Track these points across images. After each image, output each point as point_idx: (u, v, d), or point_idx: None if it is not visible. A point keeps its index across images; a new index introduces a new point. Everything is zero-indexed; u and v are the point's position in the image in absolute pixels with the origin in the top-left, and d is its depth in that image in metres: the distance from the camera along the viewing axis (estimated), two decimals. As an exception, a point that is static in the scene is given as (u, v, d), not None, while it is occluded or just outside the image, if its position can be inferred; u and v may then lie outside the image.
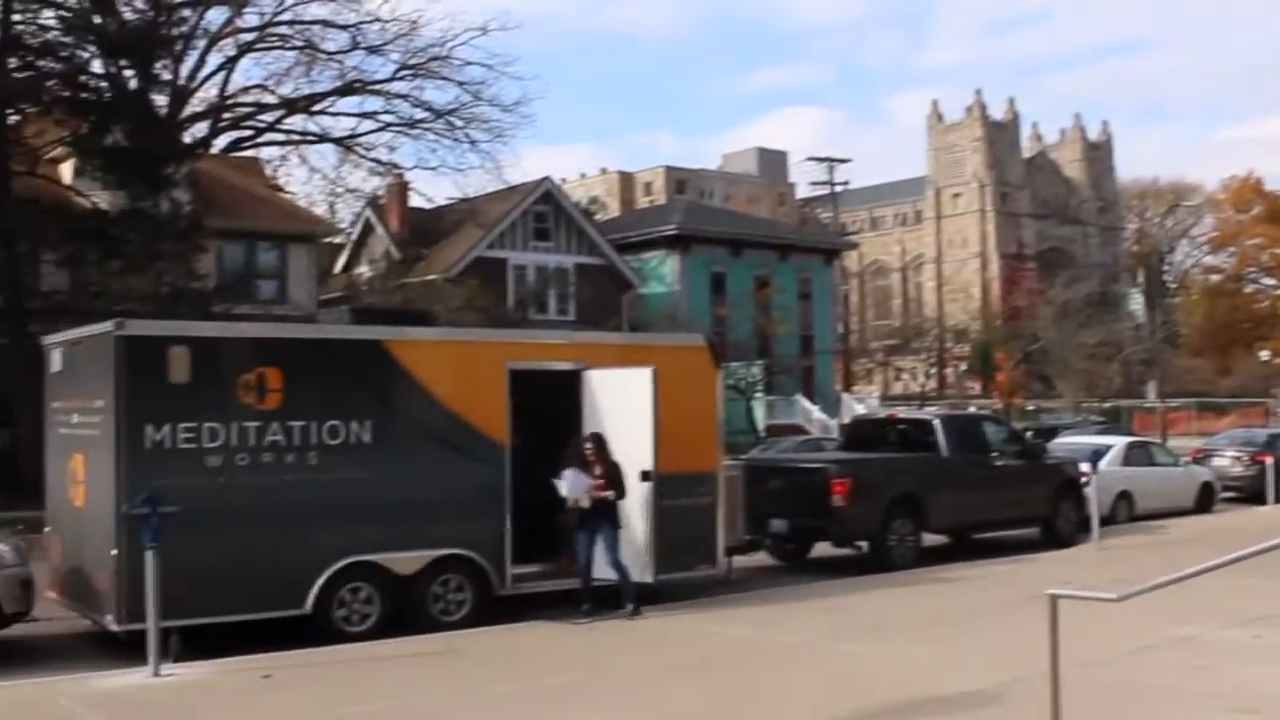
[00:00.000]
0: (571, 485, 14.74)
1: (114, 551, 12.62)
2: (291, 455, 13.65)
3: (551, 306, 53.60)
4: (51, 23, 33.75)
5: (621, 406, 15.46)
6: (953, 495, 20.94)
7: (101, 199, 35.22)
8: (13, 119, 34.12)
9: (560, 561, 15.68)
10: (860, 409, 53.40)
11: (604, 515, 14.83)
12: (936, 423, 21.83)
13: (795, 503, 19.60)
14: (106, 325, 13.22)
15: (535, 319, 50.40)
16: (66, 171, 37.69)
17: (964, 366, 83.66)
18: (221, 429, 13.28)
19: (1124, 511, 26.13)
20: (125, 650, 12.72)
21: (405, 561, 14.35)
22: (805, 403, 57.77)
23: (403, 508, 14.32)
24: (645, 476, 15.04)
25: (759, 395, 52.10)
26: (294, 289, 43.98)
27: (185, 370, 13.17)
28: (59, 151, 36.86)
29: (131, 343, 12.98)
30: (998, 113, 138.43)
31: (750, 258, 60.74)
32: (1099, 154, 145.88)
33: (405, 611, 14.41)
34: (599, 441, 14.94)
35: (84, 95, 33.77)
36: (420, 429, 14.54)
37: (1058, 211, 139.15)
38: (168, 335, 13.67)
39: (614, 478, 14.78)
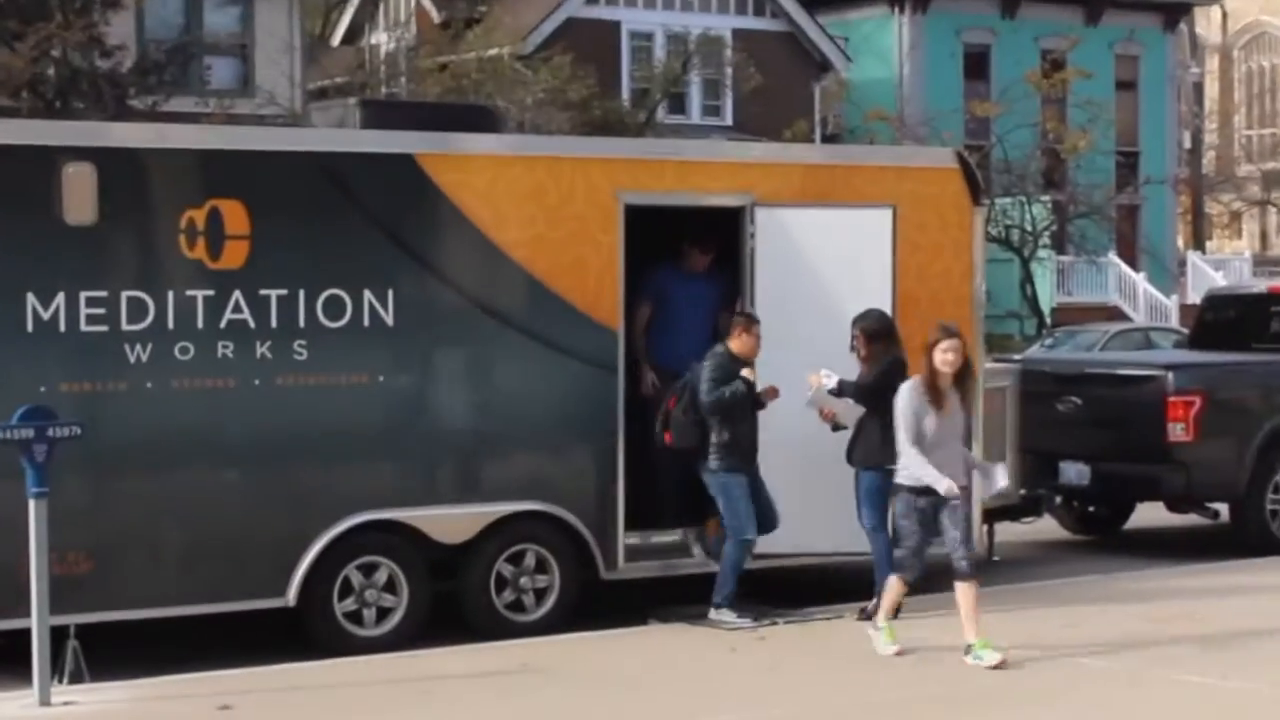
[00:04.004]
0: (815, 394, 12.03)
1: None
2: (264, 345, 11.41)
3: (694, 101, 47.19)
4: None
5: (829, 269, 13.01)
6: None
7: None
8: None
9: (709, 526, 13.08)
10: (1220, 279, 47.17)
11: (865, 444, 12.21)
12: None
13: (1104, 436, 16.44)
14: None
15: (668, 122, 44.29)
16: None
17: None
18: (150, 301, 11.19)
19: None
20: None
21: (451, 522, 12.04)
22: (1124, 268, 50.95)
23: (447, 435, 12.16)
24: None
25: (1044, 255, 46.60)
26: (266, 71, 38.35)
27: (90, 204, 11.09)
28: None
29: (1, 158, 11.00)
30: None
31: (1032, 19, 51.98)
32: None
33: (451, 605, 12.22)
34: (879, 327, 12.02)
35: None
36: (476, 304, 12.13)
37: None
38: (60, 145, 11.45)
39: (878, 385, 11.76)
